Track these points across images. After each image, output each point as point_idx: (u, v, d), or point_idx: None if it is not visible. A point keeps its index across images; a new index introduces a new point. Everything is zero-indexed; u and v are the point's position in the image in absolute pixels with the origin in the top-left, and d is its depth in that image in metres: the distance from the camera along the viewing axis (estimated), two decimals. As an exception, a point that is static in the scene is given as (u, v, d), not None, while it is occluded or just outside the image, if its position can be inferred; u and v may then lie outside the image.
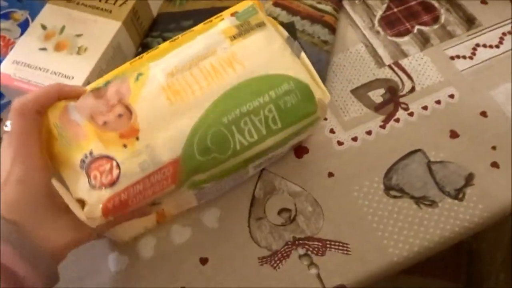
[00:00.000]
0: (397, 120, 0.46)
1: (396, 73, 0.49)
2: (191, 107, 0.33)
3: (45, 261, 0.30)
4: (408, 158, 0.44)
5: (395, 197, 0.42)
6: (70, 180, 0.32)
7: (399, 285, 0.75)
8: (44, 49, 0.47)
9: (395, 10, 0.54)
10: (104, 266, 0.41)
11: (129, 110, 0.32)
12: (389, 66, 0.50)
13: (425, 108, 0.47)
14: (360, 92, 0.48)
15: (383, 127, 0.46)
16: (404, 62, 0.50)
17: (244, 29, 0.35)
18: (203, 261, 0.40)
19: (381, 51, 0.51)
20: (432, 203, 0.42)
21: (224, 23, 0.36)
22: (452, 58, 0.50)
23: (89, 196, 0.31)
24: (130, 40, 0.50)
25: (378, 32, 0.52)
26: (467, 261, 0.78)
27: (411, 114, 0.47)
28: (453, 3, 0.53)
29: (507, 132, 0.44)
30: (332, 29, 0.51)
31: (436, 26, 0.52)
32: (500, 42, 0.50)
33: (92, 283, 0.40)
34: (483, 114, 0.46)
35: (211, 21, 0.37)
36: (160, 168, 0.32)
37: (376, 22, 0.53)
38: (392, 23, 0.53)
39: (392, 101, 0.48)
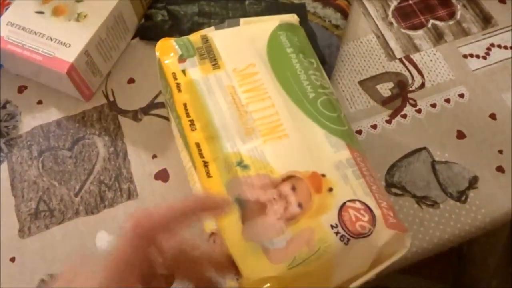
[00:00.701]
0: (404, 116, 0.45)
1: (407, 68, 0.48)
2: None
3: None
4: (412, 156, 0.43)
5: (396, 194, 0.41)
6: None
7: (384, 282, 0.75)
8: (41, 12, 0.44)
9: (410, 2, 0.52)
10: (91, 245, 0.39)
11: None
12: (400, 59, 0.48)
13: (433, 105, 0.45)
14: (368, 84, 0.47)
15: (389, 122, 0.45)
16: (415, 56, 0.48)
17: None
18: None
19: (392, 43, 0.49)
20: (434, 204, 0.41)
21: None
22: (465, 56, 0.48)
23: None
24: (133, 10, 0.48)
25: (391, 24, 0.50)
26: (456, 262, 0.78)
27: (419, 111, 0.45)
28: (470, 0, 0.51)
29: (515, 137, 0.43)
30: (345, 14, 0.49)
31: (451, 22, 0.50)
32: (515, 44, 0.49)
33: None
34: (493, 116, 0.45)
35: None
36: None
37: (390, 12, 0.51)
38: (407, 15, 0.51)
39: (400, 96, 0.46)
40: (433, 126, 0.44)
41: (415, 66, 0.48)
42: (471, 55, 0.48)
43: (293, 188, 0.29)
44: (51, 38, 0.43)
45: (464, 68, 0.47)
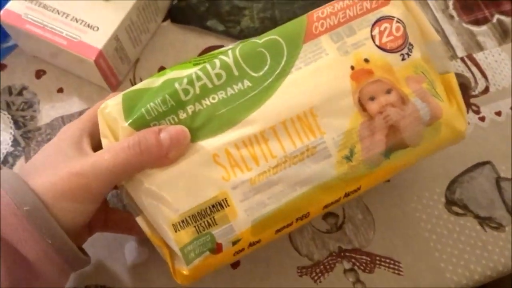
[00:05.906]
0: (466, 124, 0.40)
1: (469, 69, 0.43)
2: None
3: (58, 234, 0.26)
4: (475, 171, 0.39)
5: (457, 214, 0.37)
6: None
7: None
8: (64, -12, 0.39)
9: (474, -8, 0.46)
10: (120, 256, 0.36)
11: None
12: (462, 59, 0.43)
13: (498, 113, 0.41)
14: (426, 86, 0.42)
15: (448, 130, 0.40)
16: (479, 56, 0.43)
17: None
18: (234, 264, 0.35)
19: (453, 40, 0.44)
20: (499, 227, 0.37)
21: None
22: (534, 58, 0.43)
23: None
24: (167, -11, 0.42)
25: (452, 17, 0.45)
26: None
27: (482, 118, 0.41)
28: (541, -7, 0.46)
29: None
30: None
31: (519, 18, 0.45)
32: None
33: (106, 274, 0.35)
34: None
35: None
36: None
37: (450, 4, 0.46)
38: (469, 8, 0.45)
39: (461, 100, 0.42)
40: (498, 136, 0.40)
41: (478, 67, 0.43)
42: (541, 57, 0.43)
43: (372, 98, 0.28)
44: (76, 19, 0.37)
45: (532, 72, 0.43)
